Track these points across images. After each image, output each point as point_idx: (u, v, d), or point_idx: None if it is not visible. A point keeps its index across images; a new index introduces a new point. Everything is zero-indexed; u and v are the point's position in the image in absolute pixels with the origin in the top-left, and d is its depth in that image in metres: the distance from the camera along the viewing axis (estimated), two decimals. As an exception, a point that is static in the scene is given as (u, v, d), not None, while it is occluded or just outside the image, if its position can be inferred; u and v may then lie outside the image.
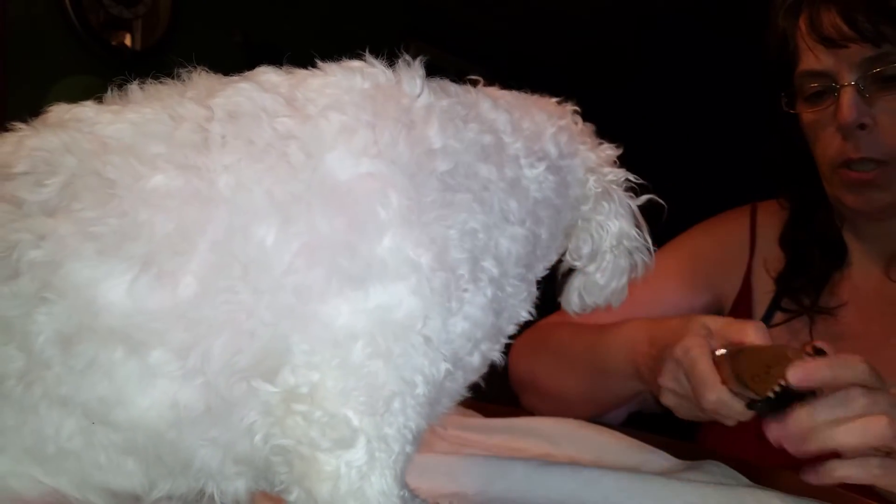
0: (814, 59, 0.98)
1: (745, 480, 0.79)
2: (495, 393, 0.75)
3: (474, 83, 0.64)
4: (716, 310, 1.18)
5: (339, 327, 0.48)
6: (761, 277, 1.15)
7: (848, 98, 0.95)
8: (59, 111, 0.51)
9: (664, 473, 0.80)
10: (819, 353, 0.70)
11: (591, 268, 0.68)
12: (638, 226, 0.69)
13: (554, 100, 0.68)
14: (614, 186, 0.67)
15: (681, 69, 3.54)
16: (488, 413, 1.00)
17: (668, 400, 0.84)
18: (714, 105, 3.32)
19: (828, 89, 0.98)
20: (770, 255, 1.14)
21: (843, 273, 1.10)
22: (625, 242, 0.68)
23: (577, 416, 0.99)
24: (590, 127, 0.68)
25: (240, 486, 0.52)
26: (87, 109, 0.51)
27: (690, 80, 3.54)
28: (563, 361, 1.12)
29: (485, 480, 0.77)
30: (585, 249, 0.68)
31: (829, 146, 1.01)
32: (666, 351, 0.83)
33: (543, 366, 1.15)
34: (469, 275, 0.53)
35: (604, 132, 0.70)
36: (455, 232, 0.52)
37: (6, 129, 0.50)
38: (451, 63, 2.66)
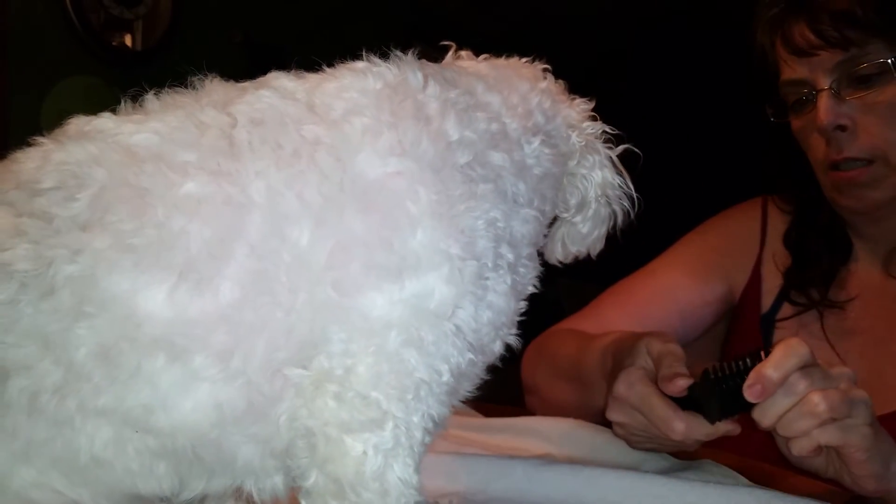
0: (790, 69, 1.04)
1: (745, 480, 0.79)
2: (495, 393, 0.75)
3: (446, 48, 0.66)
4: (730, 300, 1.20)
5: (377, 317, 0.49)
6: (770, 269, 1.17)
7: (823, 102, 0.99)
8: (79, 123, 0.51)
9: (663, 473, 0.80)
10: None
11: (578, 218, 0.71)
12: (620, 174, 0.71)
13: (524, 60, 0.69)
14: (594, 139, 0.70)
15: (684, 70, 3.54)
16: (488, 413, 1.00)
17: (620, 432, 0.85)
18: (719, 107, 3.32)
19: (808, 96, 1.03)
20: (779, 249, 1.17)
21: (848, 269, 1.12)
22: (608, 191, 0.71)
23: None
24: (562, 84, 0.70)
25: (278, 481, 0.53)
26: (107, 121, 0.51)
27: (694, 80, 3.54)
28: (557, 371, 1.13)
29: (485, 480, 0.77)
30: (573, 201, 0.70)
31: (816, 150, 1.05)
32: (609, 385, 0.84)
33: (541, 374, 1.16)
34: (492, 263, 0.55)
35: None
36: (482, 222, 0.54)
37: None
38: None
